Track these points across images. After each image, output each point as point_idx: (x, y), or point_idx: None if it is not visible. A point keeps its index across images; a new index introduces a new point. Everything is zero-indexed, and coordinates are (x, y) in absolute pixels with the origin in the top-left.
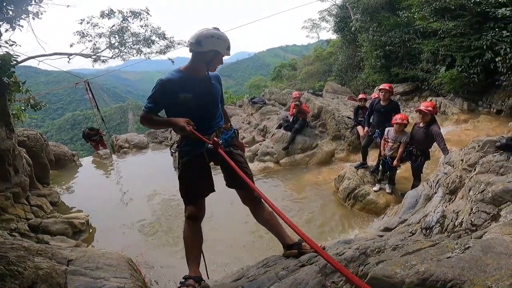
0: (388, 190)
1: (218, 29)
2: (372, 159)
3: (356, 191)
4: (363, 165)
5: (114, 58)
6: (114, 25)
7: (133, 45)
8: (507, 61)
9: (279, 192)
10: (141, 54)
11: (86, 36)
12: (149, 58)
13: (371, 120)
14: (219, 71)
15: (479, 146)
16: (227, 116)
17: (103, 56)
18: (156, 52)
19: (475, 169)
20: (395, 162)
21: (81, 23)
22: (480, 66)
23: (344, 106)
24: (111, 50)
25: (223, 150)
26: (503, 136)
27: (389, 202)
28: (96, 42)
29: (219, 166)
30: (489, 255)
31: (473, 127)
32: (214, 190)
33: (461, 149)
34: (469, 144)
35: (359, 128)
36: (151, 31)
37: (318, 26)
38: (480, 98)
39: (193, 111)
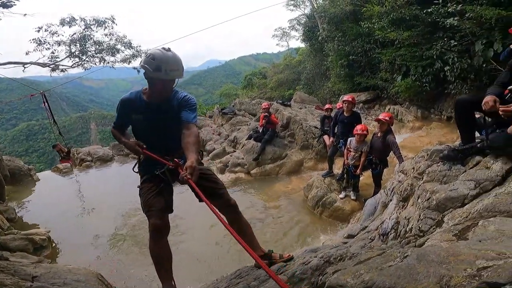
0: (353, 197)
1: (167, 49)
2: (338, 167)
3: (324, 198)
4: (329, 173)
5: (74, 67)
6: (75, 33)
7: (96, 54)
8: (455, 70)
9: (251, 202)
10: (105, 63)
11: (44, 43)
12: (113, 67)
13: (335, 131)
14: (189, 79)
15: (427, 155)
16: (189, 144)
17: (62, 65)
18: (121, 60)
19: (423, 178)
20: (358, 171)
21: (38, 31)
22: (431, 75)
23: (311, 116)
24: (71, 59)
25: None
26: (448, 145)
27: (354, 208)
28: (55, 50)
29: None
30: (422, 263)
31: (427, 134)
32: (172, 211)
33: (413, 158)
34: (419, 152)
35: (326, 137)
36: (116, 39)
37: (288, 35)
38: (432, 105)
39: (145, 132)
